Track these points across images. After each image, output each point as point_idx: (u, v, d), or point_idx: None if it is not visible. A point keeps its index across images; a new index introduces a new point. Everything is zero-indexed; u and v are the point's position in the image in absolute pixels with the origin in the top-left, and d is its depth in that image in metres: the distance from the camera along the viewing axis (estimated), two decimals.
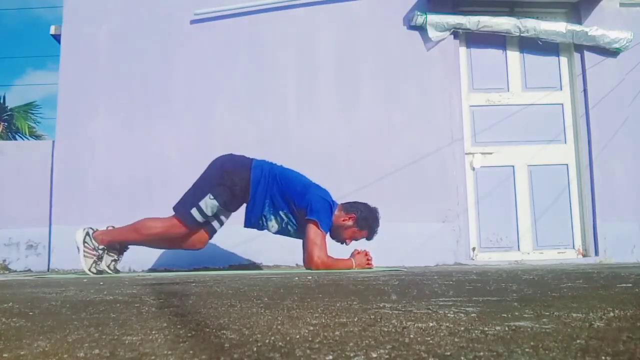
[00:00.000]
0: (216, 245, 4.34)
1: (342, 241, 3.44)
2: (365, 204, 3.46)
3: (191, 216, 3.25)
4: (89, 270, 3.28)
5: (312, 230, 3.19)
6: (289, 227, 3.37)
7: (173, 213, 3.33)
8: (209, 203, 3.26)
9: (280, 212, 3.33)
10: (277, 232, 3.46)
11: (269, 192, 3.31)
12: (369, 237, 3.45)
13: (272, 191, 3.31)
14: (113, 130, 4.51)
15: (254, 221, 3.38)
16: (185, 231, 3.30)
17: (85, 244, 3.30)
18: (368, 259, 3.36)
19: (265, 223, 3.39)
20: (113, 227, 3.45)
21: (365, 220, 3.40)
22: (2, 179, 4.48)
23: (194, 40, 4.63)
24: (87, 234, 3.32)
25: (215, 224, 3.44)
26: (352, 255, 3.36)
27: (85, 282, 2.52)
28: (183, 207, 3.28)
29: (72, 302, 1.52)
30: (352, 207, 3.41)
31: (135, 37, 4.64)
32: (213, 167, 3.37)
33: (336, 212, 3.37)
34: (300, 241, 3.35)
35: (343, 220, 3.37)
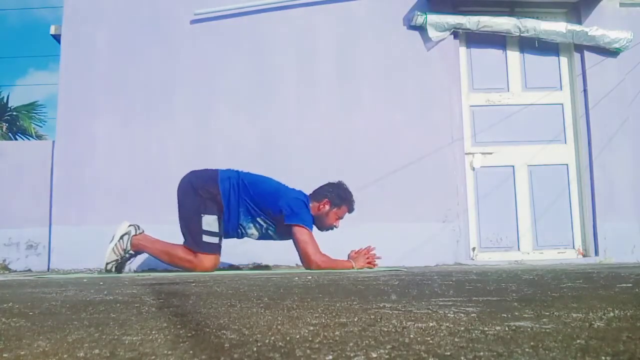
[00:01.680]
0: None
1: (330, 227, 3.46)
2: (329, 184, 3.50)
3: (208, 244, 3.27)
4: (107, 264, 3.30)
5: (300, 233, 3.22)
6: (269, 231, 3.40)
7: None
8: (208, 221, 3.28)
9: (258, 219, 3.37)
10: (259, 238, 3.49)
11: (242, 201, 3.33)
12: (350, 210, 3.50)
13: (245, 200, 3.33)
14: (113, 130, 4.51)
15: (231, 231, 3.40)
16: (213, 262, 3.31)
17: (121, 240, 3.33)
18: (368, 258, 3.36)
19: (244, 231, 3.42)
20: (142, 231, 3.46)
21: (339, 197, 3.44)
22: (2, 179, 4.48)
23: (194, 40, 4.63)
24: (128, 233, 3.34)
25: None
26: (350, 256, 3.36)
27: (85, 282, 2.52)
28: (195, 242, 3.29)
29: (72, 302, 1.52)
30: (321, 194, 3.45)
31: (135, 37, 4.64)
32: (184, 192, 3.39)
33: (310, 205, 3.40)
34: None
35: (320, 209, 3.41)
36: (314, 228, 3.38)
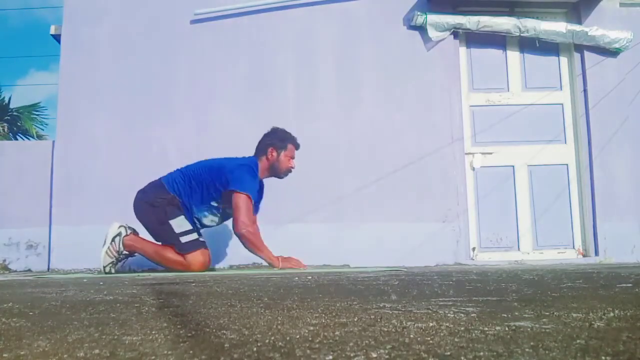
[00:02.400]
0: (216, 245, 4.34)
1: (288, 170, 3.54)
2: (264, 135, 3.57)
3: (189, 243, 3.32)
4: (104, 267, 3.35)
5: (236, 198, 3.28)
6: (227, 210, 3.44)
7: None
8: (178, 222, 3.33)
9: (212, 203, 3.42)
10: (221, 222, 3.55)
11: (194, 192, 3.39)
12: (297, 145, 3.57)
13: (196, 188, 3.39)
14: (113, 130, 4.51)
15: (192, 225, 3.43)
16: (203, 257, 3.35)
17: (113, 243, 3.36)
18: (297, 262, 3.45)
19: (200, 223, 3.47)
20: (135, 231, 3.51)
21: (280, 140, 3.52)
22: (2, 179, 4.48)
23: (194, 40, 4.63)
24: (119, 234, 3.39)
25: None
26: (279, 259, 3.40)
27: (85, 282, 2.52)
28: (177, 246, 3.33)
29: (72, 302, 1.52)
30: (263, 147, 3.53)
31: (136, 37, 4.64)
32: (141, 212, 3.44)
33: (261, 164, 3.48)
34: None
35: (270, 159, 3.49)
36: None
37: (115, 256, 3.36)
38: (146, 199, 3.42)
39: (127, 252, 3.40)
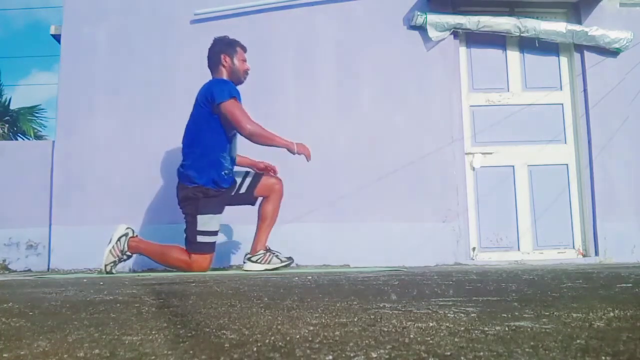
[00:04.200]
0: (216, 245, 4.34)
1: (245, 73, 3.56)
2: (209, 50, 3.60)
3: (202, 244, 3.32)
4: (105, 265, 3.36)
5: (225, 108, 3.29)
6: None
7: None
8: (204, 220, 3.32)
9: (224, 135, 3.42)
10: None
11: (209, 154, 3.40)
12: (243, 47, 3.59)
13: (205, 153, 3.40)
14: (113, 130, 4.51)
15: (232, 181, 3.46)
16: (208, 263, 3.36)
17: (118, 242, 3.38)
18: (308, 149, 3.48)
19: (232, 159, 3.49)
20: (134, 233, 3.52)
21: (227, 45, 3.55)
22: (2, 179, 4.47)
23: (194, 40, 4.63)
24: (126, 235, 3.40)
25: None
26: (294, 144, 3.44)
27: (85, 282, 2.52)
28: (189, 243, 3.35)
29: (72, 302, 1.52)
30: (214, 58, 3.55)
31: (135, 37, 4.64)
32: (180, 199, 3.45)
33: (220, 75, 3.51)
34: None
35: (227, 66, 3.51)
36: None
37: (118, 256, 3.37)
38: (182, 194, 3.43)
39: (129, 254, 3.42)
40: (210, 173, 3.36)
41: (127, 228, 3.44)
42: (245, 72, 3.58)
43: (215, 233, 3.38)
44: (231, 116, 3.31)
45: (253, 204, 3.60)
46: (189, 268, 3.33)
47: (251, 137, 3.33)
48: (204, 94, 3.41)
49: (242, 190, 3.50)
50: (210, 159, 3.37)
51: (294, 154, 3.44)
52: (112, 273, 3.39)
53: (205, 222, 3.32)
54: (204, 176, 3.35)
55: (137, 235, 3.50)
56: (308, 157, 3.49)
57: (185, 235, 3.40)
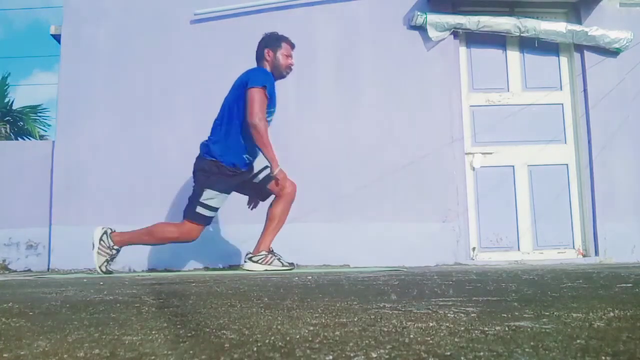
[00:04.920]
0: (216, 245, 4.34)
1: (287, 69, 3.58)
2: (258, 44, 3.59)
3: (198, 215, 3.32)
4: (100, 267, 3.36)
5: (249, 94, 3.32)
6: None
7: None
8: (209, 195, 3.32)
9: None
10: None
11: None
12: (290, 43, 3.61)
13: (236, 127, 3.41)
14: (113, 131, 4.51)
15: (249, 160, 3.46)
16: (197, 232, 3.37)
17: (102, 242, 3.39)
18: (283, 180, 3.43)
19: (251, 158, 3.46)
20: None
21: (275, 41, 3.57)
22: (2, 179, 4.47)
23: (194, 40, 4.63)
24: (105, 232, 3.41)
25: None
26: (278, 167, 3.39)
27: (85, 282, 2.52)
28: (188, 209, 3.37)
29: (72, 302, 1.52)
30: (260, 52, 3.57)
31: (135, 37, 4.64)
32: (195, 169, 3.47)
33: (266, 67, 3.53)
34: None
35: (269, 61, 3.54)
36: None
37: (107, 253, 3.38)
38: (196, 162, 3.46)
39: (117, 247, 3.41)
40: (231, 153, 3.38)
41: (103, 228, 3.44)
42: (288, 68, 3.59)
43: (215, 210, 3.38)
44: (250, 102, 3.32)
45: (263, 199, 3.60)
46: (179, 234, 3.36)
47: (252, 130, 3.32)
48: (241, 77, 3.46)
49: (257, 180, 3.50)
50: (235, 140, 3.39)
51: (272, 173, 3.40)
52: (110, 272, 3.39)
53: (210, 196, 3.33)
54: (225, 154, 3.37)
55: (115, 231, 3.49)
56: (276, 186, 3.42)
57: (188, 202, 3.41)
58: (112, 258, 3.41)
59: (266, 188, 3.51)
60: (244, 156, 3.40)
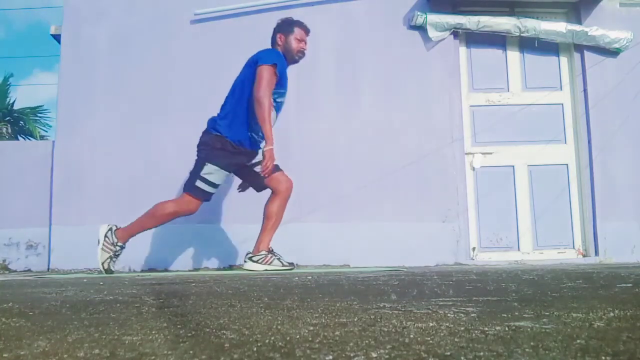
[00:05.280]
0: (216, 245, 4.35)
1: (300, 52, 3.59)
2: (274, 30, 3.64)
3: (197, 188, 3.33)
4: (102, 263, 3.37)
5: (259, 71, 3.35)
6: (277, 100, 3.46)
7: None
8: (210, 169, 3.33)
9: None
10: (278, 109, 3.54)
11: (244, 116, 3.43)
12: (305, 27, 3.64)
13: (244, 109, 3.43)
14: (113, 130, 4.51)
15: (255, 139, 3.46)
16: (196, 206, 3.37)
17: (106, 238, 3.40)
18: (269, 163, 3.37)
19: (257, 137, 3.45)
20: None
21: (287, 26, 3.61)
22: (2, 179, 4.48)
23: (194, 40, 4.63)
24: (110, 229, 3.43)
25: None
26: (272, 148, 3.35)
27: (85, 282, 2.52)
28: (188, 182, 3.39)
29: (72, 302, 1.52)
30: (273, 37, 3.63)
31: (135, 37, 4.64)
32: (199, 142, 3.49)
33: (279, 50, 3.56)
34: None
35: (281, 45, 3.57)
36: None
37: (111, 249, 3.38)
38: (203, 137, 3.48)
39: (121, 244, 3.42)
40: (237, 129, 3.39)
41: (108, 225, 3.45)
42: (299, 52, 3.59)
43: (215, 186, 3.38)
44: (258, 78, 3.33)
45: (258, 190, 3.61)
46: (178, 207, 3.37)
47: (255, 104, 3.32)
48: (253, 56, 3.48)
49: (258, 168, 3.49)
50: (241, 117, 3.40)
51: (262, 150, 3.38)
52: (112, 271, 3.39)
53: (210, 171, 3.34)
54: (231, 130, 3.38)
55: (119, 228, 3.49)
56: (263, 169, 3.36)
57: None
58: (116, 255, 3.42)
59: (263, 180, 3.51)
60: (250, 134, 3.42)
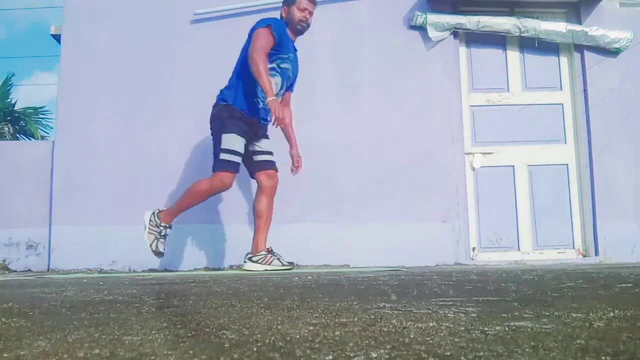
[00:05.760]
0: (216, 245, 4.34)
1: (300, 22, 3.56)
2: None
3: (222, 162, 3.35)
4: (151, 246, 3.45)
5: (257, 32, 3.39)
6: (280, 65, 3.48)
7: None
8: (227, 139, 3.36)
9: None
10: (285, 84, 3.56)
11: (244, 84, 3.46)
12: (312, 1, 3.64)
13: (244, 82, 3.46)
14: (113, 130, 4.51)
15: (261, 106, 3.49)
16: (229, 180, 3.37)
17: (150, 222, 3.47)
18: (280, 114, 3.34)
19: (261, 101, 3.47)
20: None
21: None
22: (2, 179, 4.47)
23: (194, 40, 4.63)
24: (153, 213, 3.50)
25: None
26: (275, 99, 3.32)
27: (85, 282, 2.52)
28: (215, 162, 3.40)
29: (72, 302, 1.52)
30: (280, 11, 3.64)
31: (135, 37, 4.64)
32: (210, 119, 3.53)
33: (276, 18, 3.56)
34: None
35: (285, 17, 3.58)
36: None
37: (156, 230, 3.45)
38: (213, 111, 3.52)
39: (165, 224, 3.47)
40: (242, 96, 3.44)
41: (152, 210, 3.52)
42: (301, 21, 3.57)
43: (238, 153, 3.39)
44: (253, 39, 3.37)
45: (251, 175, 3.64)
46: (211, 185, 3.38)
47: (249, 62, 3.34)
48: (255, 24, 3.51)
49: (257, 158, 3.54)
50: (244, 84, 3.44)
51: (265, 103, 3.37)
52: (162, 253, 3.47)
53: (228, 140, 3.36)
54: (236, 98, 3.43)
55: (162, 210, 3.55)
56: (276, 119, 3.26)
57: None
58: (162, 235, 3.48)
59: (256, 171, 3.56)
60: (255, 100, 3.45)
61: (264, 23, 3.44)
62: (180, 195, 3.56)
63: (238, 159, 3.41)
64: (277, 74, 3.48)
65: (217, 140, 3.41)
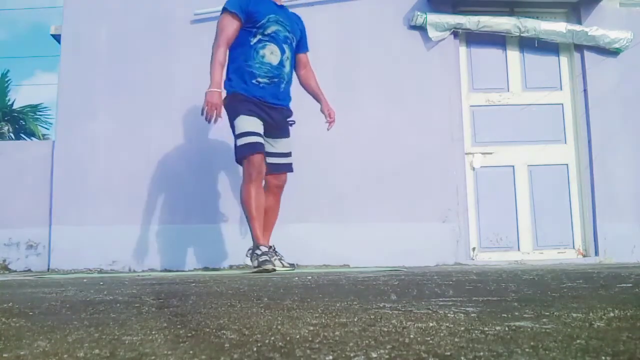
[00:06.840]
0: (216, 245, 4.34)
1: None
2: None
3: (243, 146, 3.30)
4: (276, 268, 3.24)
5: (217, 24, 3.46)
6: (264, 33, 3.43)
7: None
8: (238, 123, 3.35)
9: (250, 41, 3.44)
10: (281, 57, 3.48)
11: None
12: None
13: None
14: (113, 130, 4.51)
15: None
16: (259, 163, 3.30)
17: (252, 258, 3.28)
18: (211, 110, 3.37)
19: (262, 69, 3.43)
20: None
21: None
22: (2, 179, 4.47)
23: (194, 40, 4.63)
24: (249, 250, 3.32)
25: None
26: (219, 89, 3.39)
27: (85, 282, 2.52)
28: (236, 151, 3.37)
29: (72, 302, 1.52)
30: None
31: (135, 37, 4.64)
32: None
33: None
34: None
35: None
36: None
37: (272, 255, 3.30)
38: (224, 105, 3.47)
39: (267, 246, 3.32)
40: (238, 79, 3.43)
41: (247, 250, 3.35)
42: None
43: (253, 133, 3.31)
44: (216, 32, 3.44)
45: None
46: (247, 176, 3.30)
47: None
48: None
49: (270, 160, 3.45)
50: (236, 67, 3.45)
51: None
52: (293, 266, 3.47)
53: (239, 125, 3.34)
54: (236, 84, 3.42)
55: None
56: (208, 116, 3.35)
57: None
58: (276, 253, 3.37)
59: (266, 173, 3.48)
60: (254, 81, 3.41)
61: (222, 10, 3.43)
62: (248, 219, 3.37)
63: (256, 138, 3.31)
64: (268, 43, 3.41)
65: (233, 128, 3.40)
